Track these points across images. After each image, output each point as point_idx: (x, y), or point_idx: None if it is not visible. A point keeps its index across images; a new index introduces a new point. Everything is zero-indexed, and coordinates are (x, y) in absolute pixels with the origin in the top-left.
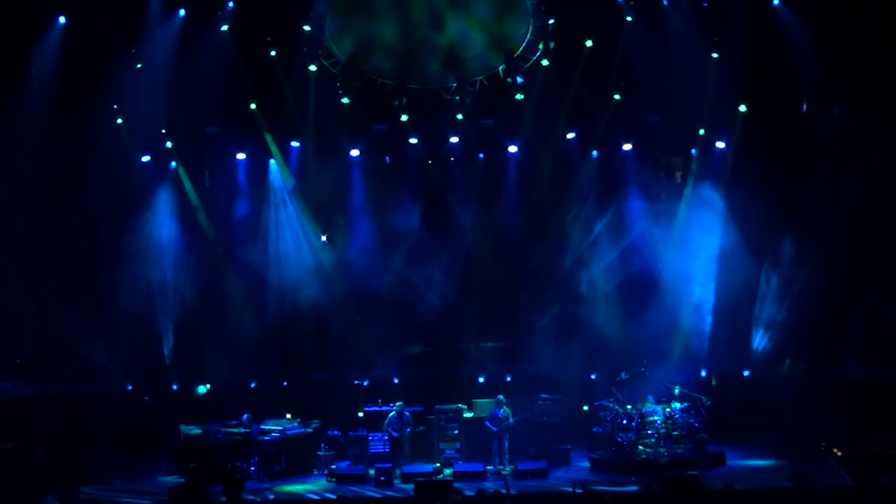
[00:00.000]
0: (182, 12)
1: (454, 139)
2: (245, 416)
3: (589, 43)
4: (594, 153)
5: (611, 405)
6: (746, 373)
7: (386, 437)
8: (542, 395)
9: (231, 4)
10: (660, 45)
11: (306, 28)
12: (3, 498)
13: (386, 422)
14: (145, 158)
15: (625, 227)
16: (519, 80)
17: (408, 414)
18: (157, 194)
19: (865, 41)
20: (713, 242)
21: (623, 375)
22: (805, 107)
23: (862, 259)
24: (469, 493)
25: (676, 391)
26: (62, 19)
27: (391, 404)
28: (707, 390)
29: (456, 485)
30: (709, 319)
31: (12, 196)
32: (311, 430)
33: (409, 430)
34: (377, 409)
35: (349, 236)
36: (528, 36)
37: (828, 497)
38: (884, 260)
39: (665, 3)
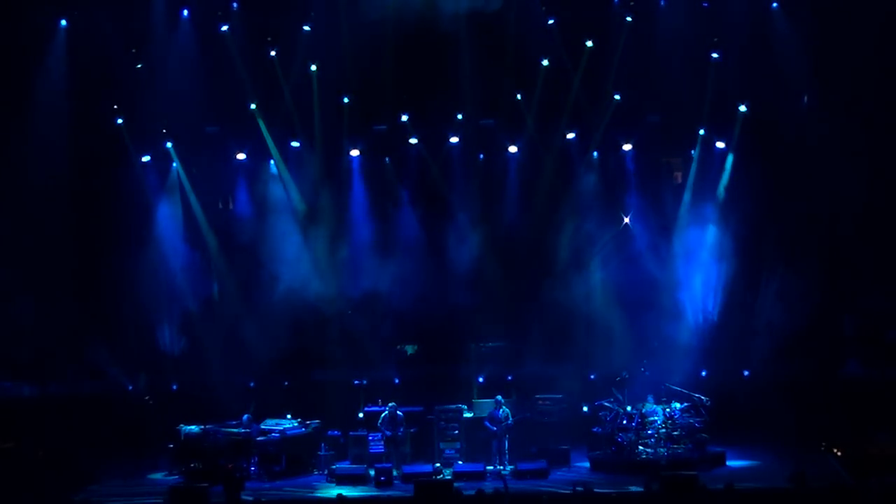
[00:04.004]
0: (185, 13)
1: (454, 139)
2: (245, 416)
3: (589, 43)
4: (594, 153)
5: (611, 405)
6: (746, 373)
7: (379, 437)
8: (542, 395)
9: (235, 5)
10: (660, 46)
11: (306, 28)
12: (3, 498)
13: (379, 421)
14: (145, 158)
15: (625, 227)
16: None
17: (401, 414)
18: (157, 194)
19: (864, 41)
20: (713, 242)
21: (624, 374)
22: (804, 107)
23: (861, 259)
24: (469, 492)
25: (676, 391)
26: (63, 22)
27: (391, 407)
28: (707, 390)
29: (456, 485)
30: (709, 319)
31: (12, 196)
32: (311, 430)
33: (402, 429)
34: (377, 409)
35: (349, 236)
36: None
37: (828, 497)
38: (883, 260)
39: (665, 3)
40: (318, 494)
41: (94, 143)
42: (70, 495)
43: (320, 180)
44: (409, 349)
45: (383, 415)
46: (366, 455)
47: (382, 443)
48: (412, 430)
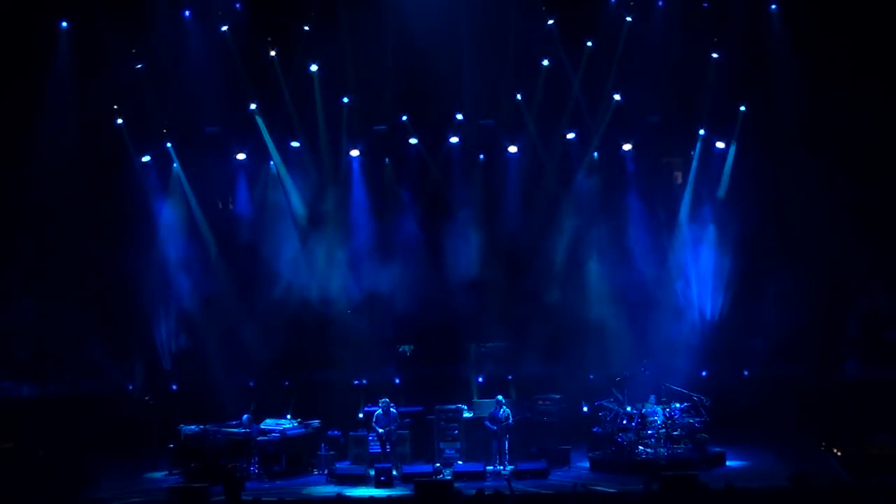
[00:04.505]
0: (187, 13)
1: (454, 139)
2: (245, 416)
3: (589, 43)
4: (594, 154)
5: (611, 405)
6: (746, 373)
7: (374, 437)
8: (542, 395)
9: (238, 6)
10: (660, 45)
11: (306, 28)
12: (4, 498)
13: (373, 419)
14: (145, 158)
15: (625, 228)
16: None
17: (394, 410)
18: (157, 194)
19: (864, 39)
20: (713, 242)
21: (624, 374)
22: (804, 106)
23: (860, 259)
24: (469, 492)
25: (676, 391)
26: (65, 24)
27: (383, 403)
28: (707, 390)
29: (456, 485)
30: (709, 319)
31: (13, 196)
32: (311, 430)
33: (395, 425)
34: (377, 409)
35: (349, 236)
36: None
37: (828, 497)
38: (882, 259)
39: (664, 3)
40: (311, 491)
41: (94, 143)
42: (70, 495)
43: (320, 180)
44: (407, 349)
45: (377, 413)
46: (366, 455)
47: (378, 442)
48: (406, 421)
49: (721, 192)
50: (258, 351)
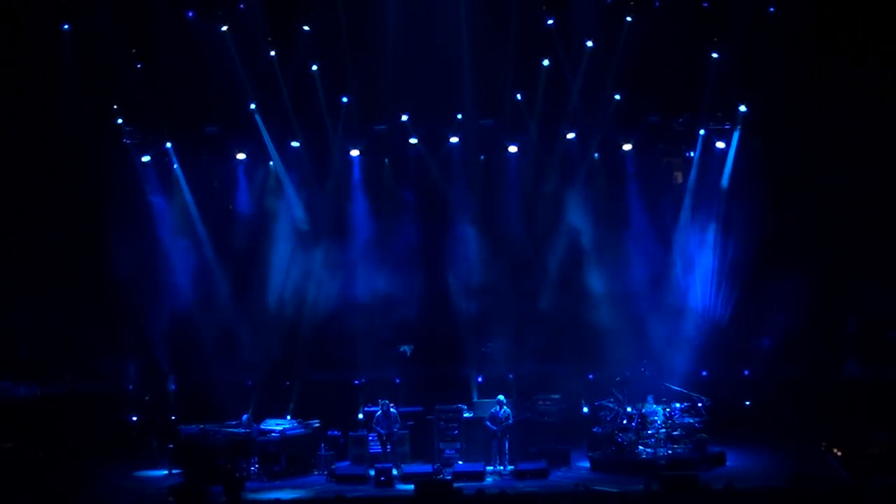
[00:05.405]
0: (189, 14)
1: (454, 139)
2: (245, 416)
3: (589, 43)
4: (595, 154)
5: (611, 405)
6: (746, 373)
7: (375, 437)
8: (542, 395)
9: (242, 6)
10: (660, 45)
11: (306, 28)
12: (4, 498)
13: (374, 421)
14: (145, 158)
15: (625, 228)
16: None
17: (394, 411)
18: (157, 195)
19: (864, 40)
20: (713, 242)
21: (625, 373)
22: (805, 106)
23: (861, 259)
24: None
25: (676, 391)
26: (66, 26)
27: (383, 404)
28: (707, 390)
29: (456, 485)
30: (710, 319)
31: (12, 196)
32: (311, 430)
33: (397, 426)
34: (377, 409)
35: (348, 236)
36: None
37: (828, 497)
38: (883, 259)
39: (663, 2)
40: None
41: (94, 142)
42: (69, 495)
43: (320, 181)
44: (407, 349)
45: (377, 414)
46: (366, 455)
47: (378, 442)
48: (409, 423)
49: (721, 192)
50: (257, 351)
